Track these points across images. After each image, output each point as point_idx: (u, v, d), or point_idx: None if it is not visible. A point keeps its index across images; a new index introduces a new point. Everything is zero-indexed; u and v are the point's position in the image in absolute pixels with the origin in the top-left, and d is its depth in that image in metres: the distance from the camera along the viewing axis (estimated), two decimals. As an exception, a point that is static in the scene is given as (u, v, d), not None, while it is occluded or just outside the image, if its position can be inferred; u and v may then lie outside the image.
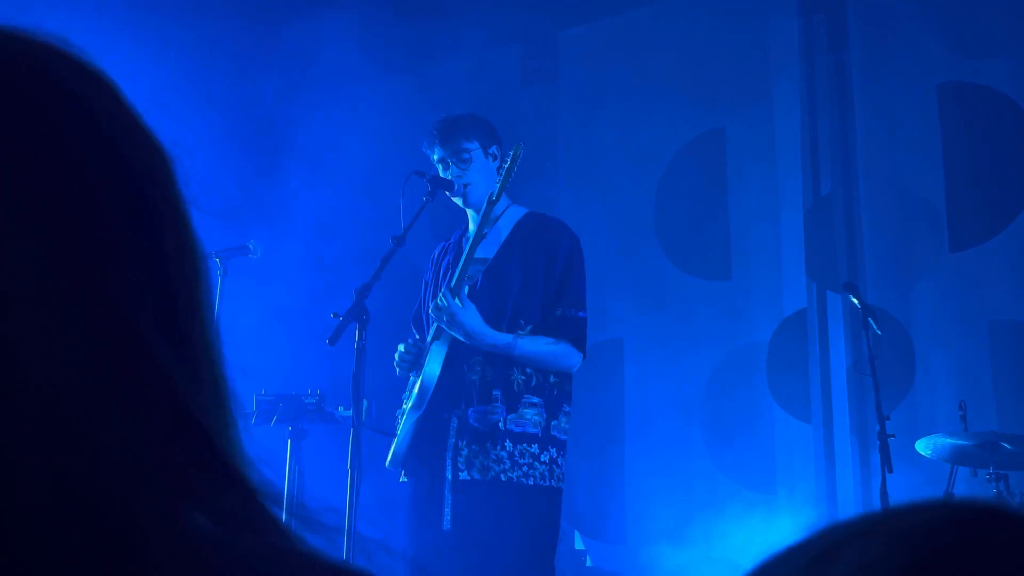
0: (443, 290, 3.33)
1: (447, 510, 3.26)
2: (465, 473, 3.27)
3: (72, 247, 0.56)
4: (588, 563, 5.29)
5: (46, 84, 0.60)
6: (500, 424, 3.28)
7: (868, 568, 0.46)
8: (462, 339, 3.32)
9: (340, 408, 3.86)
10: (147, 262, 0.60)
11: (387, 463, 3.45)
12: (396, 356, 3.50)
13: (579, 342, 3.40)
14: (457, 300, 3.27)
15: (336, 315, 3.17)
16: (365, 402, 3.19)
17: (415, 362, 3.48)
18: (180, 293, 0.61)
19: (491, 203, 3.34)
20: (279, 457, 3.76)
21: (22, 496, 0.51)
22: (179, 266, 0.62)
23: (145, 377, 0.57)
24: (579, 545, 5.33)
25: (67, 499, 0.52)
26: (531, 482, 3.27)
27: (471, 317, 3.29)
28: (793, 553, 0.49)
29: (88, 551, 0.51)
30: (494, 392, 3.31)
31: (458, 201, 3.54)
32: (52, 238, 0.56)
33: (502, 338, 3.31)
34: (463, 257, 3.34)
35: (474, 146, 3.50)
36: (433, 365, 3.35)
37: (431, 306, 3.37)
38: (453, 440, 3.30)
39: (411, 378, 3.50)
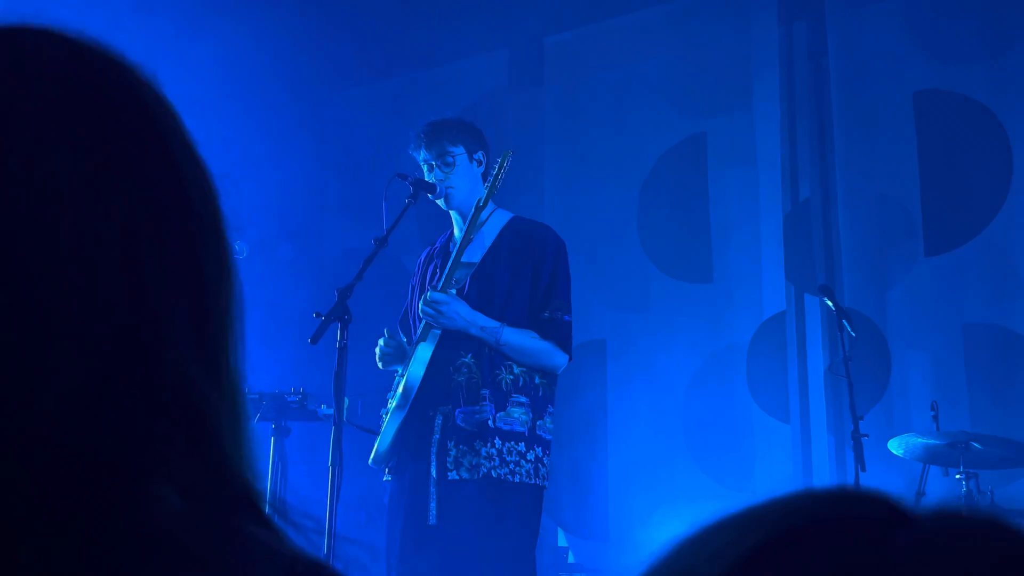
0: (429, 291, 3.40)
1: (432, 505, 3.31)
2: (454, 473, 3.31)
3: (131, 238, 0.63)
4: (570, 559, 5.34)
5: (131, 99, 0.67)
6: (489, 422, 3.33)
7: (718, 553, 0.46)
8: (452, 328, 3.37)
9: (323, 406, 3.91)
10: (188, 273, 0.66)
11: (370, 461, 3.49)
12: (377, 351, 3.56)
13: (564, 344, 3.47)
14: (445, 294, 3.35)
15: (319, 315, 3.20)
16: (347, 400, 3.24)
17: (396, 356, 3.55)
18: (213, 311, 0.67)
19: (479, 209, 3.39)
20: (262, 454, 3.82)
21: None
22: (217, 286, 0.68)
23: (158, 361, 0.62)
24: (562, 542, 5.39)
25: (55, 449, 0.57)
26: (517, 479, 3.32)
27: (460, 304, 3.37)
28: (687, 544, 0.49)
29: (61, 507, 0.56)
30: (483, 391, 3.36)
31: (441, 204, 3.58)
32: (123, 226, 0.63)
33: (491, 322, 3.39)
34: (450, 261, 3.40)
35: (459, 151, 3.52)
36: (418, 366, 3.39)
37: (419, 304, 3.41)
38: (438, 437, 3.35)
39: (396, 377, 3.55)
